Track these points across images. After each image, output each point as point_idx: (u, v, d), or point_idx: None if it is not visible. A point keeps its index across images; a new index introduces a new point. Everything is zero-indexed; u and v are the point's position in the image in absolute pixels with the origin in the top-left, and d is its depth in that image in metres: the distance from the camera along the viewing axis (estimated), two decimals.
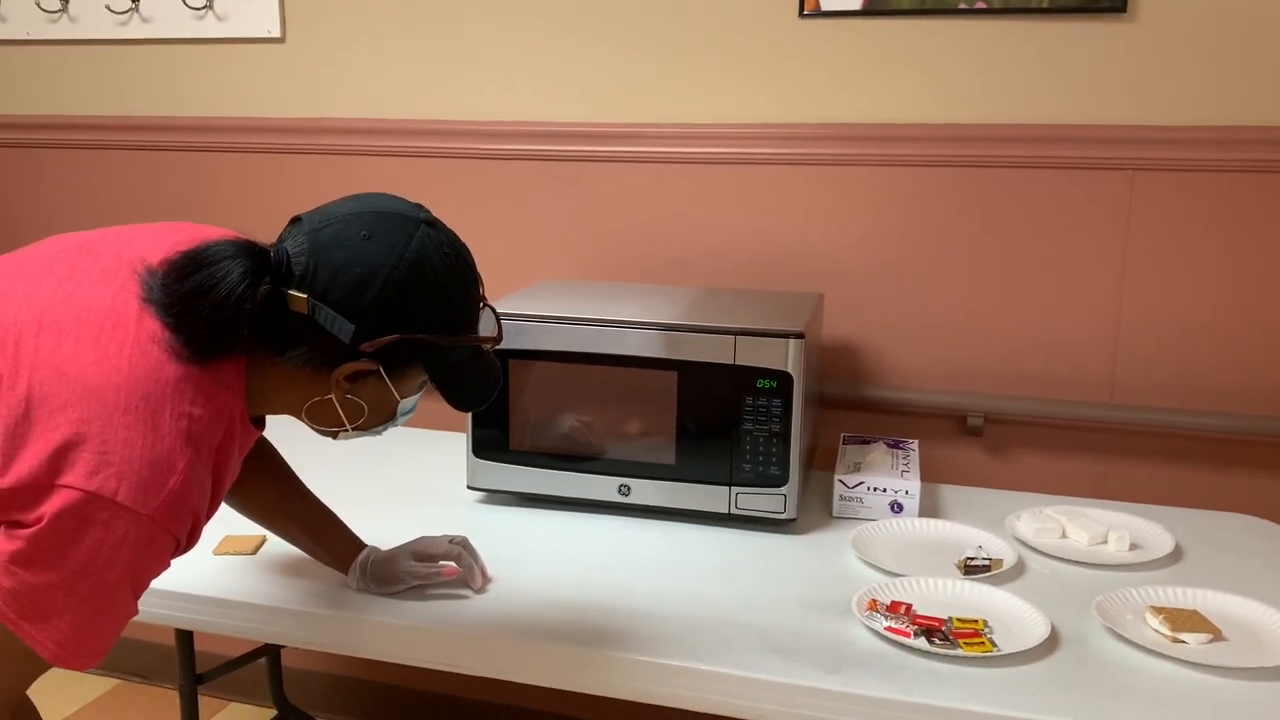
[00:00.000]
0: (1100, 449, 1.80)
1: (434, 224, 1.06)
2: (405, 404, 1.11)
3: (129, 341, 0.98)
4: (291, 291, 1.01)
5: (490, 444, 1.61)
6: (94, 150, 2.26)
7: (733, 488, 1.53)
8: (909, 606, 1.29)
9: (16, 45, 2.27)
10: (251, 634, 1.34)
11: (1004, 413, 1.81)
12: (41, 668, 1.00)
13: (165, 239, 1.08)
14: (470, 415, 1.61)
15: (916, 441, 1.75)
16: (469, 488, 1.64)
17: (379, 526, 1.51)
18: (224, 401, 1.02)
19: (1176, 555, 1.49)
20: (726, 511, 1.54)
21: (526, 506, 1.63)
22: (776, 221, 1.87)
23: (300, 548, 1.38)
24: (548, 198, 1.99)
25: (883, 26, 1.76)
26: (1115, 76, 1.69)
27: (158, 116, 2.20)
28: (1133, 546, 1.50)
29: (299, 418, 1.11)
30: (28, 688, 1.03)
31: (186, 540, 1.01)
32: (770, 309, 1.62)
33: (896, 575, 1.38)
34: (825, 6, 1.77)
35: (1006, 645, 1.21)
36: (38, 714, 1.15)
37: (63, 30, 2.22)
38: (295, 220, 1.06)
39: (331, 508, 1.38)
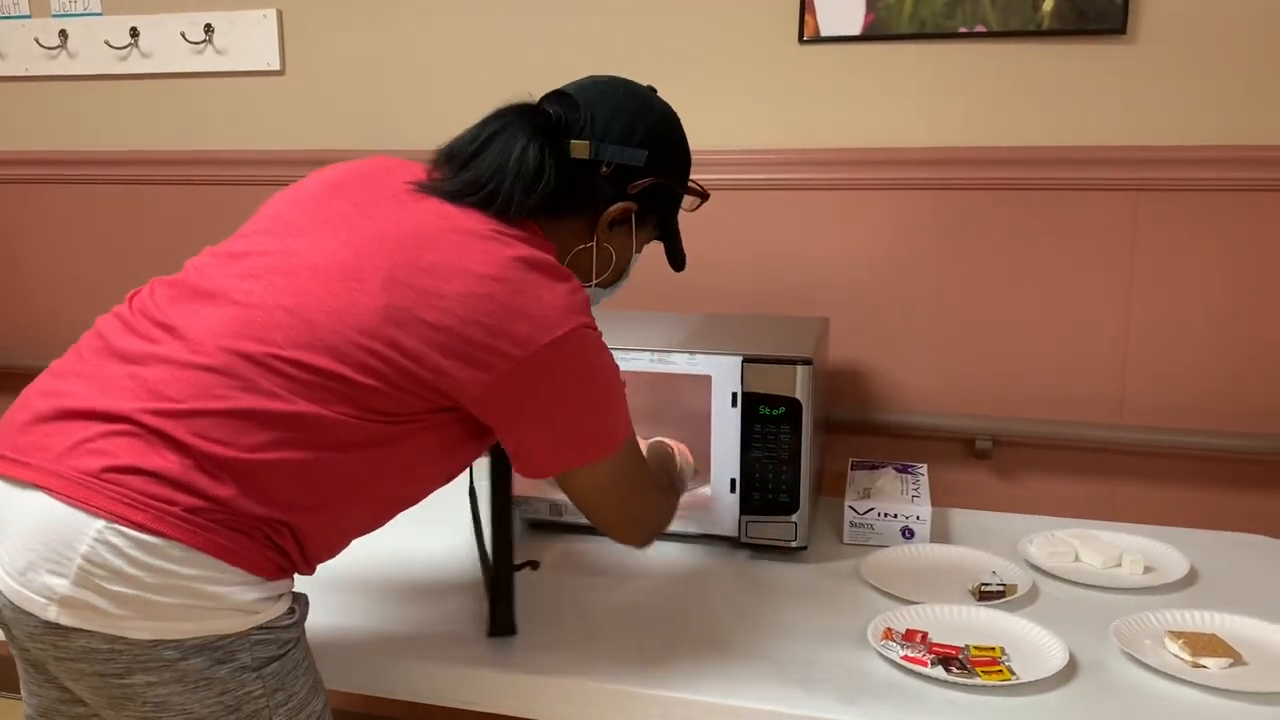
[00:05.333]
0: (1111, 470, 1.79)
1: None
2: (635, 259, 1.26)
3: (473, 235, 1.07)
4: (573, 141, 1.14)
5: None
6: (95, 185, 2.26)
7: (742, 516, 1.52)
8: (925, 634, 1.28)
9: (16, 81, 2.27)
10: None
11: (1012, 435, 1.80)
12: (639, 463, 1.20)
13: (395, 169, 1.17)
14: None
15: (926, 466, 1.74)
16: None
17: (386, 546, 1.49)
18: (553, 246, 1.14)
19: (1192, 578, 1.48)
20: (736, 539, 1.53)
21: (533, 533, 1.61)
22: (780, 246, 1.87)
23: None
24: None
25: (883, 51, 1.77)
26: (1116, 98, 1.69)
27: (158, 151, 2.20)
28: (1147, 569, 1.48)
29: None
30: (653, 488, 1.24)
31: None
32: (776, 335, 1.61)
33: (910, 602, 1.36)
34: (825, 32, 1.77)
35: (1025, 673, 1.19)
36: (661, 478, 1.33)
37: (62, 66, 2.22)
38: (554, 93, 1.20)
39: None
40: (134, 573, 0.95)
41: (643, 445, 1.59)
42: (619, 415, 1.14)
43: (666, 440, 1.49)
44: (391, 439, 1.05)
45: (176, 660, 0.97)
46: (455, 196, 1.11)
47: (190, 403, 0.98)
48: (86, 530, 0.94)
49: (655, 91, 1.24)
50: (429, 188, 1.12)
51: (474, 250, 1.06)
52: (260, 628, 1.01)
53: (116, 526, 0.94)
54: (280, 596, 1.05)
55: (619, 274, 1.27)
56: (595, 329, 1.10)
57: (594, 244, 1.20)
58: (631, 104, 1.19)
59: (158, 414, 0.97)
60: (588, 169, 1.16)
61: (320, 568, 1.11)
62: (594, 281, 1.23)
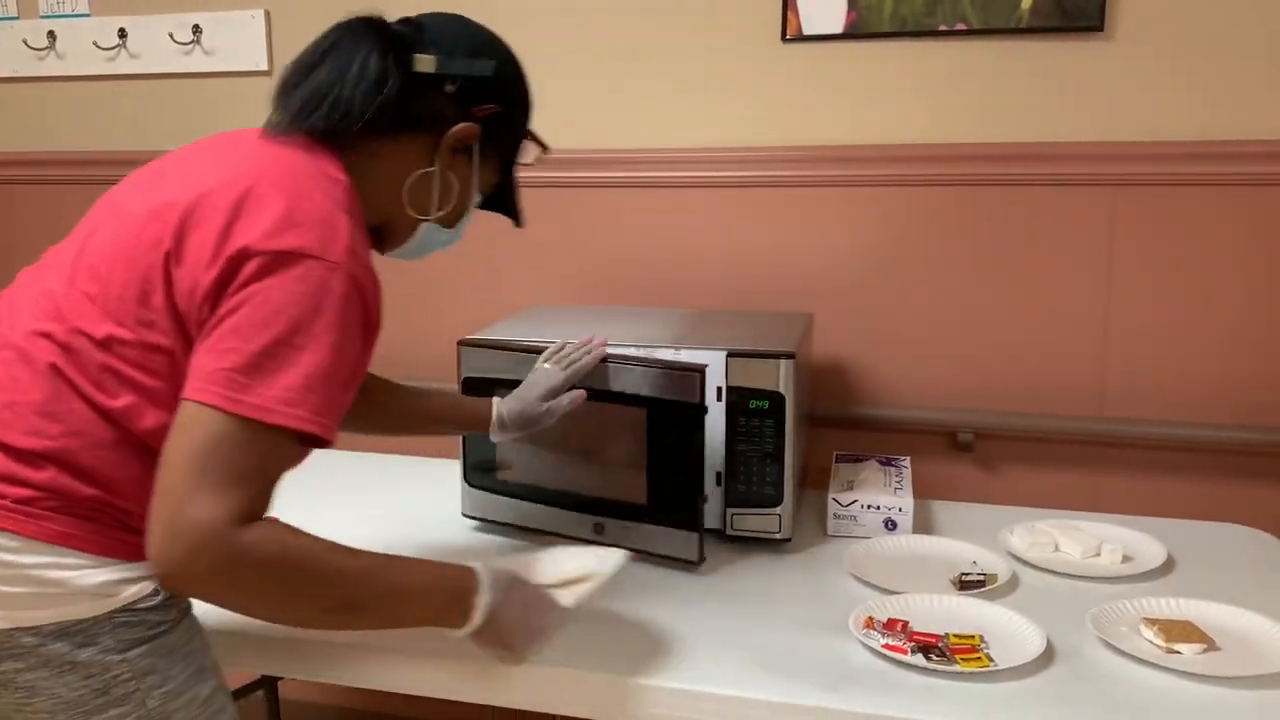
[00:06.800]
0: (1091, 462, 1.81)
1: None
2: (475, 200, 1.24)
3: (260, 144, 1.08)
4: (417, 55, 1.12)
5: (482, 472, 1.62)
6: (83, 186, 2.27)
7: (727, 508, 1.54)
8: (905, 623, 1.30)
9: (4, 83, 2.28)
10: (248, 665, 1.34)
11: (994, 428, 1.82)
12: (285, 453, 0.98)
13: (238, 134, 1.16)
14: (462, 442, 1.62)
15: (908, 458, 1.77)
16: (464, 515, 1.65)
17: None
18: (346, 184, 1.08)
19: (1169, 566, 1.50)
20: (721, 531, 1.55)
21: (522, 532, 1.63)
22: (765, 243, 1.89)
23: (441, 433, 1.51)
24: (536, 224, 2.00)
25: (864, 49, 1.79)
26: (1095, 94, 1.71)
27: (147, 151, 2.21)
28: (1125, 559, 1.51)
29: (394, 212, 1.17)
30: (277, 480, 0.99)
31: (375, 314, 1.05)
32: (761, 330, 1.63)
33: (892, 592, 1.38)
34: (807, 30, 1.79)
35: (1003, 660, 1.21)
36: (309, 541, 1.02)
37: (50, 67, 2.23)
38: (400, 20, 1.18)
39: (320, 533, 1.38)
40: None
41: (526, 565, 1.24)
42: (311, 392, 0.96)
43: (539, 585, 1.17)
44: None
45: (37, 646, 0.99)
46: (297, 118, 1.09)
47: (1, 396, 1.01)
48: None
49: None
50: (269, 129, 1.11)
51: (237, 155, 1.06)
52: (122, 610, 1.02)
53: None
54: (145, 579, 1.04)
55: (460, 213, 1.23)
56: (347, 277, 0.99)
57: (436, 170, 1.16)
58: (478, 34, 1.18)
59: None
60: (431, 86, 1.14)
61: None
62: (435, 214, 1.19)
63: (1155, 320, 1.75)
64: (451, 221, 1.23)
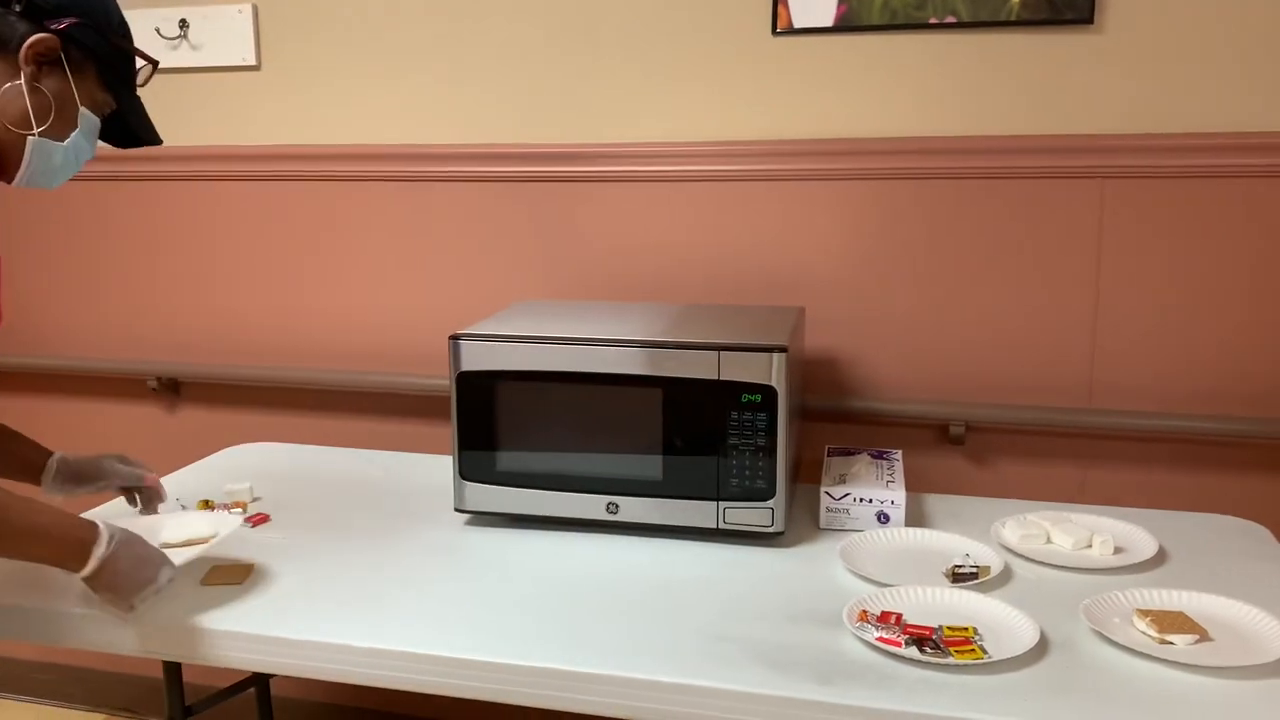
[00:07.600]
0: (1081, 454, 1.82)
1: None
2: (85, 115, 1.26)
3: None
4: None
5: (476, 466, 1.61)
6: (71, 181, 2.25)
7: (720, 503, 1.54)
8: (899, 616, 1.30)
9: None
10: (240, 664, 1.33)
11: (985, 421, 1.82)
12: None
13: None
14: (456, 436, 1.61)
15: (900, 451, 1.77)
16: (456, 510, 1.64)
17: (367, 548, 1.50)
18: None
19: (1160, 558, 1.51)
20: (714, 526, 1.55)
21: (514, 527, 1.63)
22: (756, 237, 1.88)
23: None
24: (525, 219, 2.00)
25: (855, 42, 1.79)
26: (1084, 86, 1.72)
27: None
28: (1117, 550, 1.51)
29: (1, 137, 1.21)
30: None
31: None
32: (752, 324, 1.63)
33: (885, 585, 1.38)
34: (798, 24, 1.79)
35: (997, 652, 1.21)
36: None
37: None
38: None
39: (315, 530, 1.38)
40: None
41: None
42: None
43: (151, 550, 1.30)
44: None
45: None
46: None
47: None
48: None
49: None
50: None
51: None
52: None
53: None
54: None
55: (68, 125, 1.26)
56: None
57: (21, 84, 1.20)
58: None
59: None
60: None
61: None
62: (37, 129, 1.23)
63: (1144, 312, 1.75)
64: (60, 135, 1.26)
